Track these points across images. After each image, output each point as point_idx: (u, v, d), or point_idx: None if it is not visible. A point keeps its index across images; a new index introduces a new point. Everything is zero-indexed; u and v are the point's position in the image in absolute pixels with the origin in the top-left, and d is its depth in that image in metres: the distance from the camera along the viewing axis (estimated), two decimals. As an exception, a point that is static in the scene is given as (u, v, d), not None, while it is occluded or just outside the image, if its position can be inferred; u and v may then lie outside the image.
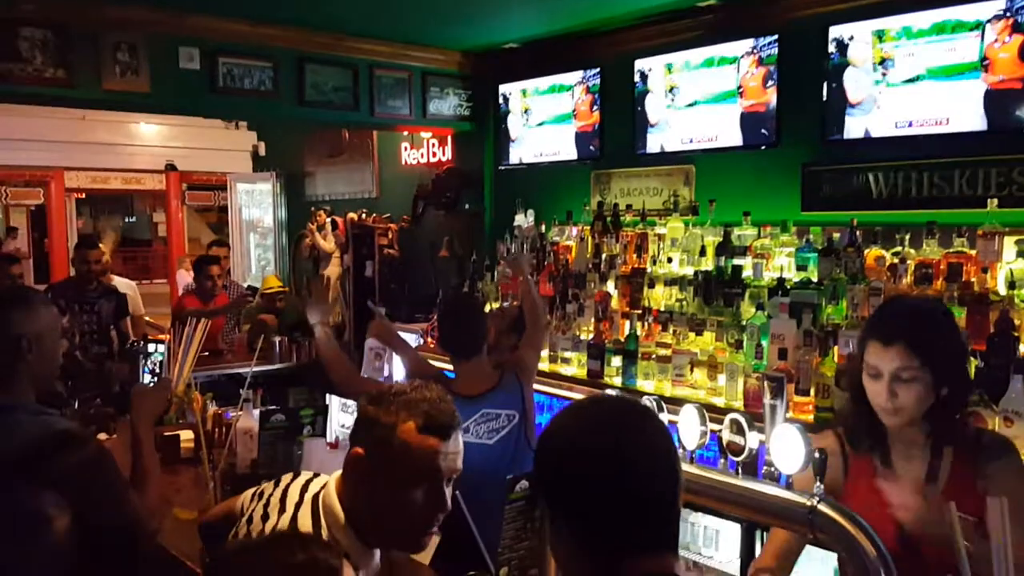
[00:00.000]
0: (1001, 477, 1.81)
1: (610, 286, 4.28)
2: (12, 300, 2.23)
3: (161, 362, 4.40)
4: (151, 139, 10.40)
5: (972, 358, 2.68)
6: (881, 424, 1.91)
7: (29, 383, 2.19)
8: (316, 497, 1.71)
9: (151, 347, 4.51)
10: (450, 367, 3.29)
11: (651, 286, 4.09)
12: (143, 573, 2.37)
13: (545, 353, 4.20)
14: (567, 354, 4.12)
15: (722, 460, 1.74)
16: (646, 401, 2.07)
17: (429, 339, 4.96)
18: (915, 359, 1.82)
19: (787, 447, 1.60)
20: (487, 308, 4.63)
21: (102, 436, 3.68)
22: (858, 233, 3.57)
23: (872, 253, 3.53)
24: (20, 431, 2.08)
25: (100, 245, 6.16)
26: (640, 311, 3.95)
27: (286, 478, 1.81)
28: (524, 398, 3.18)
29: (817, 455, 1.59)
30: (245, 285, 7.90)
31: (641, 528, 1.14)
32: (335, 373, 3.19)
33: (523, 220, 5.38)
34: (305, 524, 1.64)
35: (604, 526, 1.14)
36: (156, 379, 4.27)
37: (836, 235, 3.68)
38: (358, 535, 1.66)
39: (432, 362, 3.57)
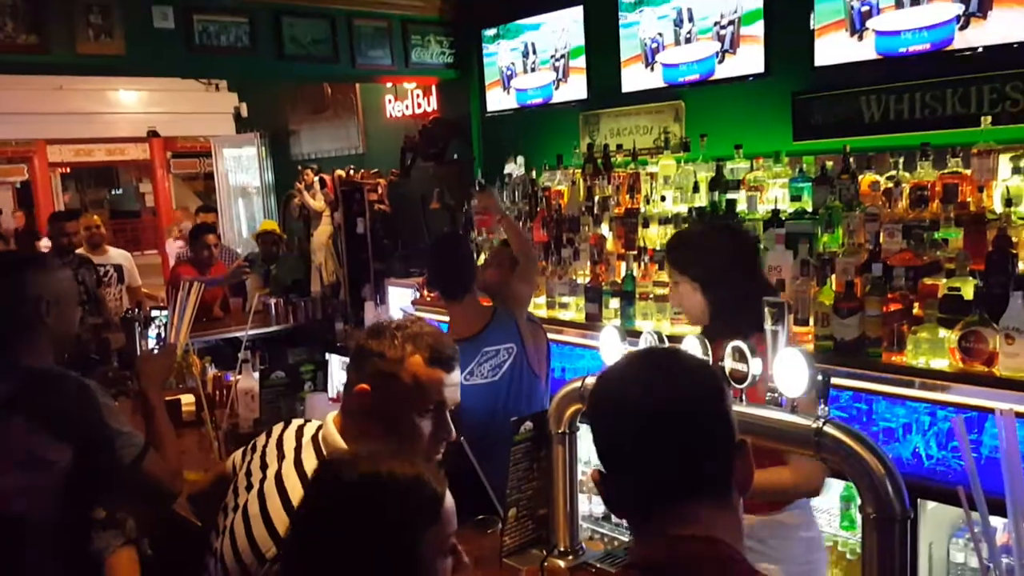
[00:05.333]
0: None
1: (604, 228, 4.24)
2: (29, 262, 2.22)
3: (165, 326, 4.41)
4: (131, 106, 10.26)
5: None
6: None
7: (48, 346, 2.16)
8: (315, 438, 1.71)
9: (155, 313, 4.53)
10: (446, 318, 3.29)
11: (645, 226, 4.05)
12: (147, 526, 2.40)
13: (542, 300, 4.18)
14: (564, 299, 4.10)
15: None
16: (646, 335, 2.07)
17: (424, 292, 4.94)
18: None
19: (791, 371, 1.59)
20: (478, 253, 4.61)
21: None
22: (851, 160, 3.53)
23: (866, 179, 3.49)
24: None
25: (82, 217, 6.11)
26: (636, 252, 3.92)
27: (277, 428, 1.82)
28: (519, 329, 3.21)
29: (820, 377, 1.58)
30: (239, 252, 7.85)
31: (662, 475, 1.11)
32: None
33: (513, 167, 5.32)
34: (310, 464, 1.64)
35: (636, 477, 1.12)
36: (160, 345, 4.28)
37: (829, 163, 3.64)
38: None
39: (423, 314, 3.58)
